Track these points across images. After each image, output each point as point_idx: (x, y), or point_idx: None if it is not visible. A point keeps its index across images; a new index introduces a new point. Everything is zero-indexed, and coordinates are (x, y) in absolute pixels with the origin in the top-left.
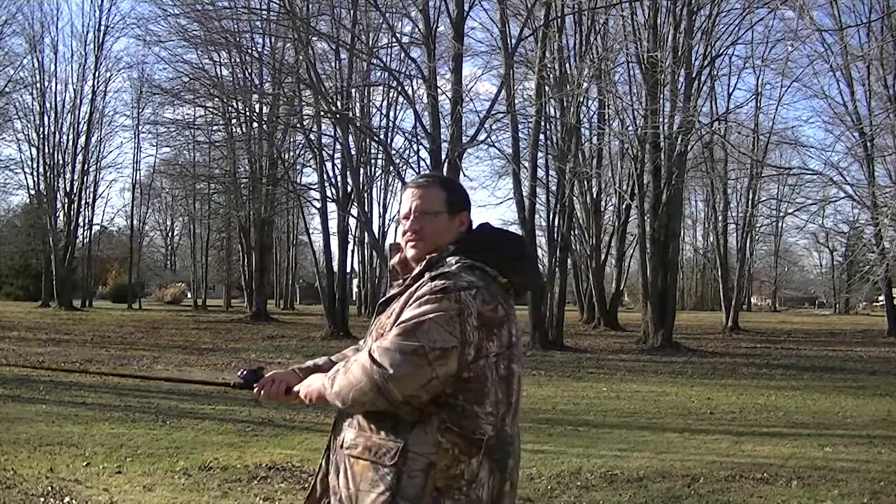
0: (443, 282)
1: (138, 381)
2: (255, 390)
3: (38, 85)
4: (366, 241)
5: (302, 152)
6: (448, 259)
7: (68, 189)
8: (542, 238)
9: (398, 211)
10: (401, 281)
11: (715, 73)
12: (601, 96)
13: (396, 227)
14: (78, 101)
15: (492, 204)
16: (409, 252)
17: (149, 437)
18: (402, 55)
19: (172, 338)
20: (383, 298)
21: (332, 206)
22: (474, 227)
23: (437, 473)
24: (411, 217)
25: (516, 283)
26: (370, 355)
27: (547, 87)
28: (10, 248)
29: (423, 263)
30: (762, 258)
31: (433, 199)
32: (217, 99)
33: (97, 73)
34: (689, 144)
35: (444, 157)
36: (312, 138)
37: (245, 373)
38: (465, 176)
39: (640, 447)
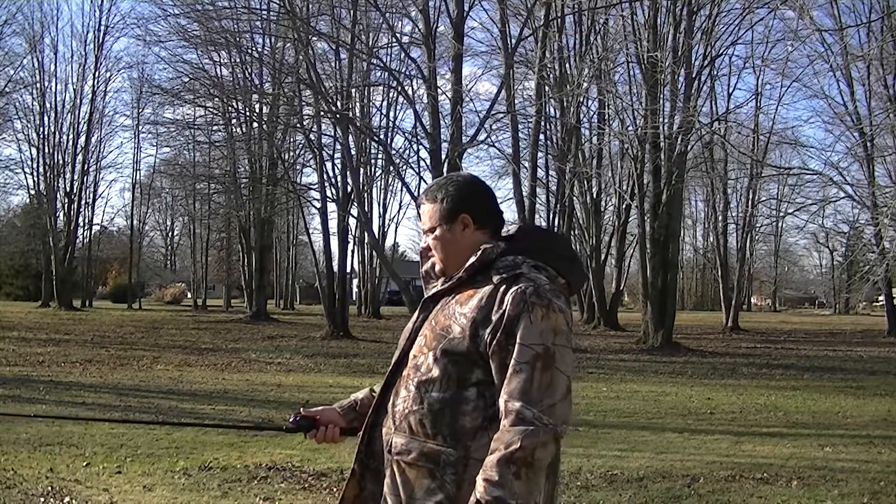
0: (528, 286)
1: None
2: (308, 434)
3: (38, 85)
4: (366, 241)
5: (302, 152)
6: (508, 257)
7: (68, 189)
8: None
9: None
10: (441, 279)
11: (715, 73)
12: (601, 96)
13: (397, 228)
14: (78, 101)
15: None
16: (436, 267)
17: (149, 437)
18: (402, 55)
19: (172, 338)
20: (430, 294)
21: (332, 206)
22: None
23: None
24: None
25: (572, 283)
26: (531, 420)
27: (547, 87)
28: (10, 248)
29: (476, 258)
30: (762, 258)
31: (429, 215)
32: (217, 99)
33: (97, 73)
34: (689, 144)
35: (444, 157)
36: (312, 138)
37: (298, 418)
38: None
39: (640, 447)
